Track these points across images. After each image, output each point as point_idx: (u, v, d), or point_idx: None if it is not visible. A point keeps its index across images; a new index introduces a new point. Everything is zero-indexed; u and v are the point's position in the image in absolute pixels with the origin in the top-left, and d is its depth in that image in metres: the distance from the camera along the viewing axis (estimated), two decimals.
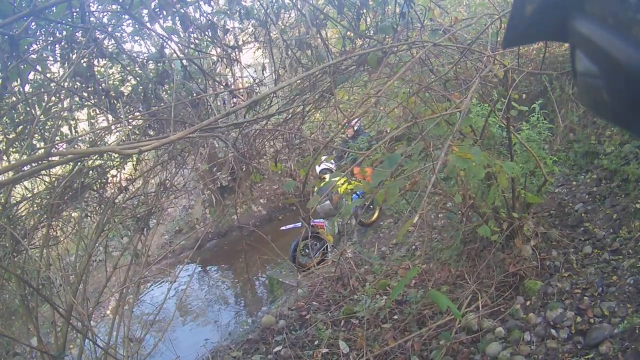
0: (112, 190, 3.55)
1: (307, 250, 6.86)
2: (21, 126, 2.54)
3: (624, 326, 3.09)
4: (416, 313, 4.02)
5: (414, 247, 5.78)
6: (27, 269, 2.87)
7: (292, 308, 5.36)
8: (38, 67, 2.22)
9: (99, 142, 2.95)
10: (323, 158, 5.92)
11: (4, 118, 2.50)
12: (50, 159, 1.76)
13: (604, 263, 3.84)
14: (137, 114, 3.06)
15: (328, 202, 6.78)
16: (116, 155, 3.33)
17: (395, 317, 4.24)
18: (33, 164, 1.92)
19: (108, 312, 5.91)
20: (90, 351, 2.99)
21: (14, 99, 2.45)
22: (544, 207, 4.91)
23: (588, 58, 0.49)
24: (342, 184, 5.03)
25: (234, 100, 4.19)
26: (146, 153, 3.78)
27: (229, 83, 5.29)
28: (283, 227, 7.20)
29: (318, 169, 6.62)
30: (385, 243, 6.54)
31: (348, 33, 3.28)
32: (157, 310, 3.62)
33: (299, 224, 6.86)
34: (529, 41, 0.75)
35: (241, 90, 4.33)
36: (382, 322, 4.22)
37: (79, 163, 2.84)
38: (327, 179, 5.72)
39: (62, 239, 3.47)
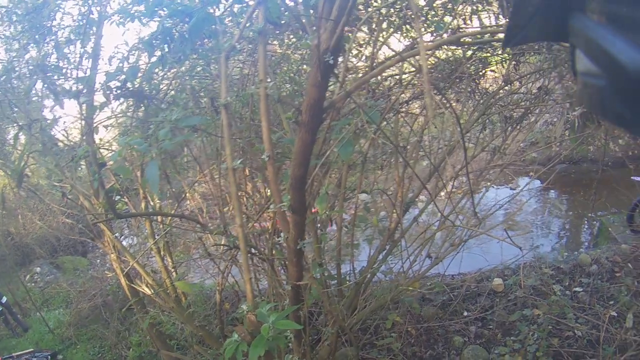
0: (490, 85, 3.75)
1: None
2: (402, 12, 2.77)
3: None
4: None
5: None
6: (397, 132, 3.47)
7: (609, 259, 5.21)
8: None
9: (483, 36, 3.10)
10: None
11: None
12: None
13: None
14: None
15: None
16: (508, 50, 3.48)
17: None
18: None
19: (442, 193, 6.67)
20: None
21: None
22: None
23: (588, 58, 0.49)
24: None
25: None
26: (528, 57, 3.79)
27: None
28: (635, 177, 6.36)
29: None
30: None
31: None
32: (506, 200, 3.93)
33: None
34: (530, 41, 0.66)
35: None
36: None
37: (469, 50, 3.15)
38: None
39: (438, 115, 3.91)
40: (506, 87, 3.56)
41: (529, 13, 0.57)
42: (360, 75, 3.27)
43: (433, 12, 3.17)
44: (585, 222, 8.04)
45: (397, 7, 2.82)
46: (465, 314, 5.01)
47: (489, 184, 8.36)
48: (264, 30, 2.17)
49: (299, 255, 2.49)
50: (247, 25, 2.33)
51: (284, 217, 2.45)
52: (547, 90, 3.74)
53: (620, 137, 9.80)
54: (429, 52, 3.06)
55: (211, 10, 2.69)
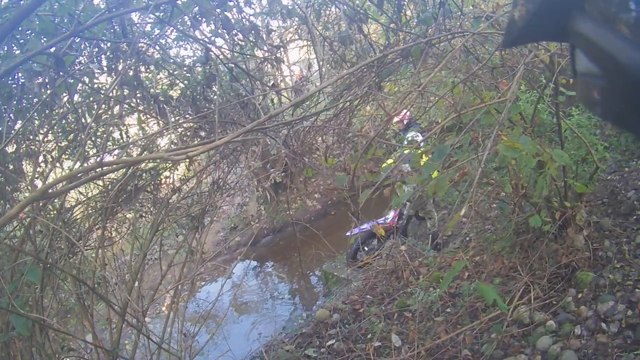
0: (166, 191, 3.64)
1: (365, 248, 6.87)
2: (72, 134, 2.65)
3: None
4: (468, 306, 3.98)
5: (467, 238, 5.68)
6: (83, 269, 2.96)
7: (346, 302, 5.38)
8: (85, 79, 2.35)
9: (150, 146, 3.04)
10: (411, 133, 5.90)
11: (55, 128, 2.64)
12: (102, 168, 1.86)
13: None
14: (187, 117, 3.14)
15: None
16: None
17: (448, 310, 4.20)
18: (86, 174, 2.05)
19: (163, 308, 6.10)
20: (144, 347, 3.11)
21: (63, 110, 2.58)
22: (597, 195, 4.71)
23: (588, 58, 0.49)
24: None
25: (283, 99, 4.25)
26: (198, 159, 3.89)
27: (277, 82, 5.35)
28: (348, 233, 7.01)
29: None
30: (439, 235, 6.45)
31: (391, 25, 3.25)
32: (211, 305, 3.72)
33: (365, 227, 6.78)
34: (529, 41, 0.75)
35: (287, 89, 4.36)
36: (434, 315, 4.18)
37: (132, 167, 2.96)
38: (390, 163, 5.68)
39: (117, 239, 3.56)
40: (183, 189, 3.54)
41: (529, 13, 0.55)
42: None
43: None
44: (310, 278, 8.37)
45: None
46: None
47: (204, 281, 8.14)
48: None
49: None
50: None
51: None
52: (219, 183, 3.87)
53: (316, 192, 11.08)
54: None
55: None
